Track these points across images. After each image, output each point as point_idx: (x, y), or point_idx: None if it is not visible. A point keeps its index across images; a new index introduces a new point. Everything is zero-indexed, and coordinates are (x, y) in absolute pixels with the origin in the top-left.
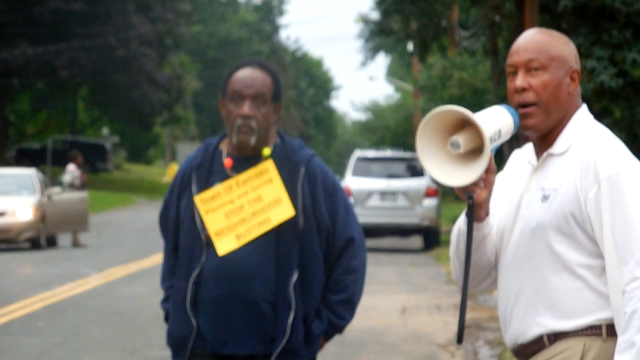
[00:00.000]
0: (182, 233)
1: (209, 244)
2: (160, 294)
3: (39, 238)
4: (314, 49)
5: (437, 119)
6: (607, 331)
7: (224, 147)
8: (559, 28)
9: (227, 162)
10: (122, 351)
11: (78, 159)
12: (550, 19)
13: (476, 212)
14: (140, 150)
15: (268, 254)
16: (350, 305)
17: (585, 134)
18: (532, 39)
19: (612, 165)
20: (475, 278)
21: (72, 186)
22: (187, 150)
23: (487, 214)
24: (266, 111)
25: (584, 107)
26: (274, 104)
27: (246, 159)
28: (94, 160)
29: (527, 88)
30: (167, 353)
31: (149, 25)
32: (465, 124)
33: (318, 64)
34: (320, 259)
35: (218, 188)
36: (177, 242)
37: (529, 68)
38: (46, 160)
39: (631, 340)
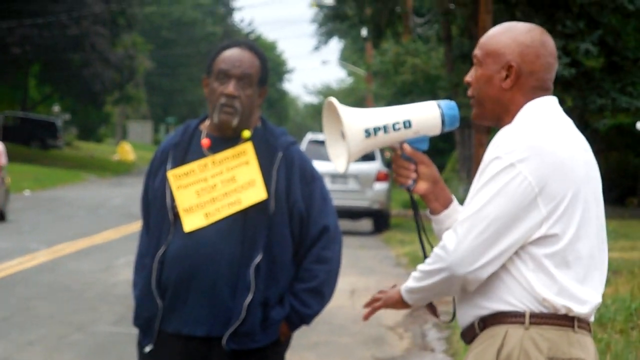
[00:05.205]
0: (152, 211)
1: (177, 223)
2: (108, 271)
3: None
4: (267, 32)
5: (333, 107)
6: (530, 319)
7: (203, 128)
8: (513, 17)
9: (205, 142)
10: (70, 326)
11: None
12: (505, 8)
13: (427, 204)
14: (91, 128)
15: (233, 235)
16: (317, 294)
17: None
18: (486, 34)
19: (497, 150)
20: None
21: None
22: (138, 129)
23: (444, 207)
24: (251, 93)
25: (539, 100)
26: (260, 88)
27: (225, 141)
28: (44, 137)
29: (468, 82)
30: (115, 329)
31: (102, 5)
32: None
33: (271, 47)
34: (289, 246)
35: (193, 165)
36: (149, 221)
37: (475, 62)
38: None
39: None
